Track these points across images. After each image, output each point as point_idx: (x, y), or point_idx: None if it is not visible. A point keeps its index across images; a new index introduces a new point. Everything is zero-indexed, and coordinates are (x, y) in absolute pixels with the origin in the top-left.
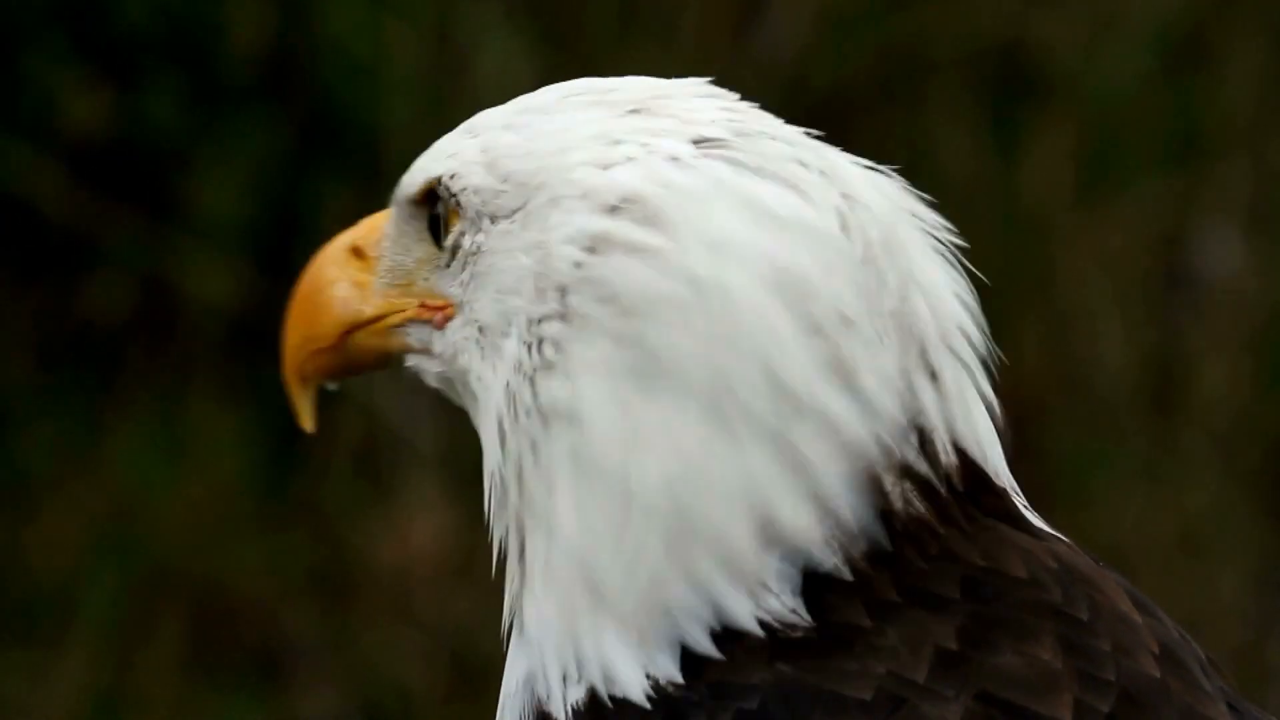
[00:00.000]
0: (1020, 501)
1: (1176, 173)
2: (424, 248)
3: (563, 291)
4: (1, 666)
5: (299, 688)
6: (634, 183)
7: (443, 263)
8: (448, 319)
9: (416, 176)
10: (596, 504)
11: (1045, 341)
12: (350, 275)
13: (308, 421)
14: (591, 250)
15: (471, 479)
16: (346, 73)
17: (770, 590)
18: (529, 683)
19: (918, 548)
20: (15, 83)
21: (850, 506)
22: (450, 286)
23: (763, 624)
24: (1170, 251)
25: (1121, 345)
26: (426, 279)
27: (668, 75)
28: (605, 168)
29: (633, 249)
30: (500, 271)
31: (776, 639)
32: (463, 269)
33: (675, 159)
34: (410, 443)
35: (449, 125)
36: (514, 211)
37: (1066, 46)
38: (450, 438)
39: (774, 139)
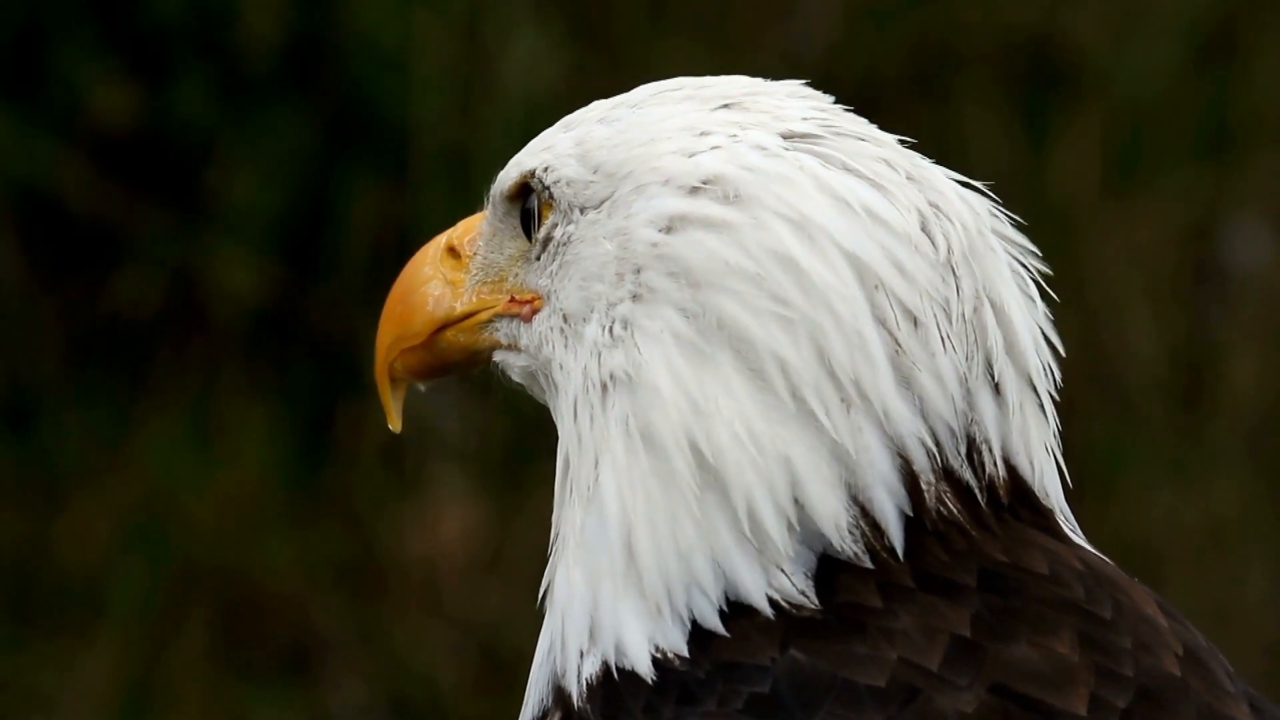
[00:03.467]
0: (1068, 525)
1: (1206, 166)
2: (517, 244)
3: (638, 271)
4: (32, 658)
5: (328, 681)
6: (716, 165)
7: (534, 255)
8: (535, 311)
9: (511, 172)
10: (641, 471)
11: (1074, 335)
12: (444, 274)
13: (395, 422)
14: (669, 229)
15: (499, 472)
16: (375, 66)
17: (784, 570)
18: (550, 655)
19: (944, 545)
20: (43, 77)
21: (881, 499)
22: (539, 279)
23: (772, 603)
24: (1199, 245)
25: (1150, 339)
26: (518, 274)
27: (695, 69)
28: (690, 155)
29: (708, 224)
30: (585, 259)
31: (788, 618)
32: (552, 260)
33: (761, 148)
34: (440, 435)
35: (477, 119)
36: (602, 201)
37: (1096, 39)
38: (479, 431)
39: (863, 140)
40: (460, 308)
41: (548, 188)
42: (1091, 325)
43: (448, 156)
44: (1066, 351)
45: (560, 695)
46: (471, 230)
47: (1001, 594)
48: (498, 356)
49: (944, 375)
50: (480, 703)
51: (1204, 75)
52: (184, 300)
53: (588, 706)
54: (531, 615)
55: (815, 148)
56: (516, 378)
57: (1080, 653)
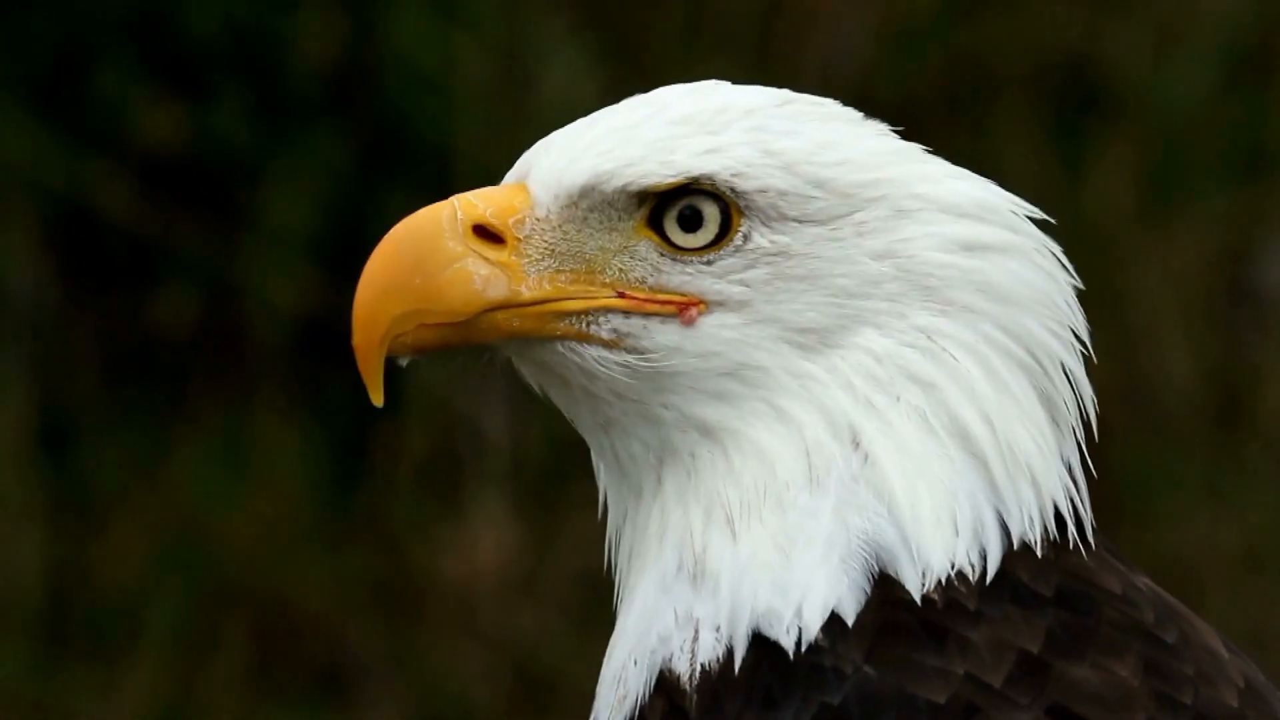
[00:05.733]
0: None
1: (1242, 187)
2: (610, 237)
3: (931, 290)
4: (68, 680)
5: (363, 703)
6: (981, 194)
7: (709, 259)
8: (699, 314)
9: (655, 169)
10: (934, 457)
11: (1110, 357)
12: (482, 253)
13: (379, 395)
14: (968, 252)
15: (535, 495)
16: (414, 86)
17: (976, 554)
18: (662, 642)
19: (1031, 553)
20: (86, 97)
21: (1061, 504)
22: (712, 283)
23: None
24: (1235, 267)
25: (1186, 361)
26: (625, 270)
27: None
28: (937, 183)
29: (1003, 250)
30: (835, 276)
31: (883, 621)
32: (749, 268)
33: (969, 178)
34: (481, 456)
35: (515, 139)
36: (834, 219)
37: (1132, 61)
38: (515, 453)
39: None
40: (528, 293)
41: (743, 194)
42: (1127, 347)
43: (485, 177)
44: (1102, 374)
45: (665, 685)
46: (511, 212)
47: (1074, 611)
48: (588, 351)
49: (1084, 396)
50: None
51: (1240, 97)
52: (221, 321)
53: (695, 696)
54: (566, 637)
55: None
56: (601, 372)
57: (1142, 678)
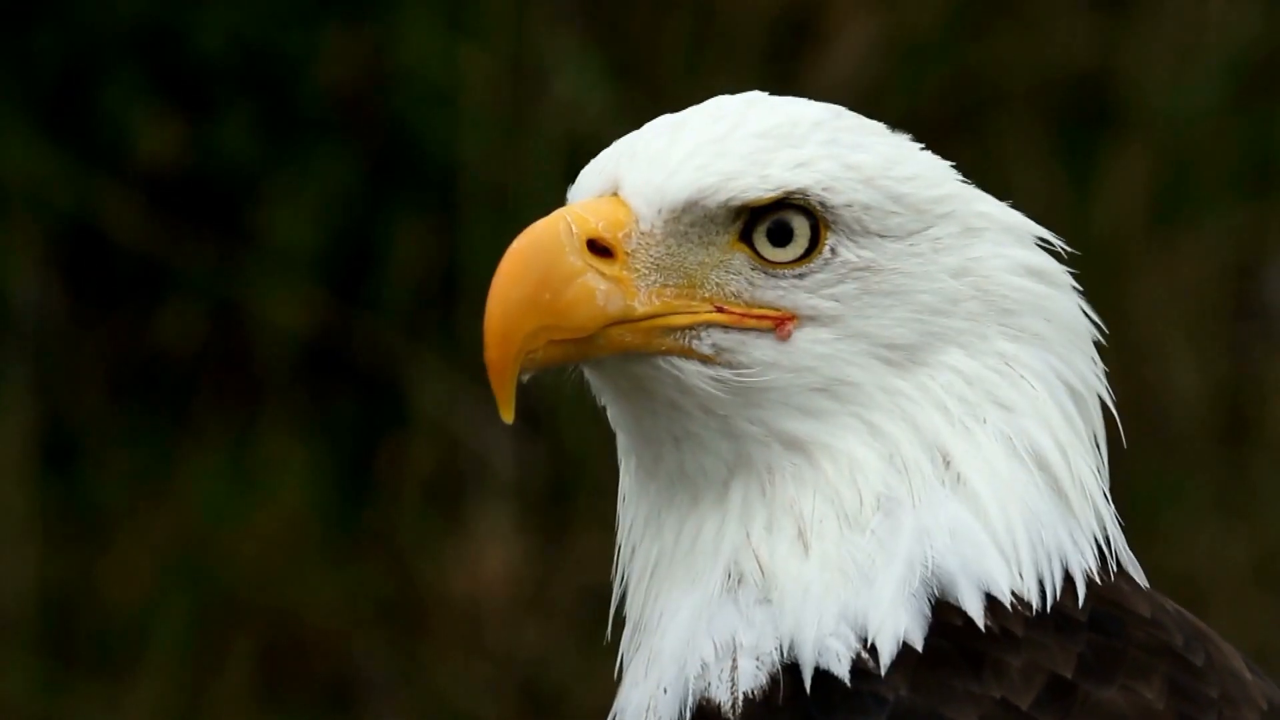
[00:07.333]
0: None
1: (1249, 202)
2: (707, 252)
3: (1007, 314)
4: (75, 697)
5: (369, 718)
6: (1029, 222)
7: (797, 273)
8: (794, 329)
9: (755, 184)
10: (1022, 480)
11: (1117, 372)
12: (597, 267)
13: (511, 411)
14: (1036, 278)
15: (541, 510)
16: (420, 102)
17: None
18: (702, 671)
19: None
20: (92, 114)
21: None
22: (805, 297)
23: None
24: (1242, 282)
25: (1193, 375)
26: (721, 284)
27: None
28: (991, 203)
29: (1058, 280)
30: (918, 292)
31: (931, 648)
32: (839, 282)
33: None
34: (486, 472)
35: (521, 154)
36: (911, 234)
37: (1140, 75)
38: (521, 469)
39: None
40: (640, 309)
41: (831, 209)
42: (1135, 362)
43: (492, 192)
44: (1109, 389)
45: (704, 714)
46: (620, 226)
47: (1105, 634)
48: (688, 366)
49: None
50: None
51: (1248, 113)
52: (227, 337)
53: None
54: (572, 653)
55: None
56: (698, 387)
57: (1167, 700)
